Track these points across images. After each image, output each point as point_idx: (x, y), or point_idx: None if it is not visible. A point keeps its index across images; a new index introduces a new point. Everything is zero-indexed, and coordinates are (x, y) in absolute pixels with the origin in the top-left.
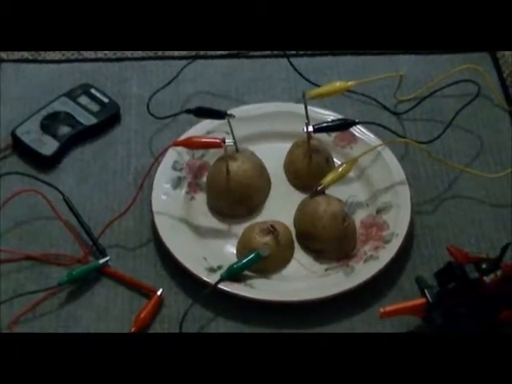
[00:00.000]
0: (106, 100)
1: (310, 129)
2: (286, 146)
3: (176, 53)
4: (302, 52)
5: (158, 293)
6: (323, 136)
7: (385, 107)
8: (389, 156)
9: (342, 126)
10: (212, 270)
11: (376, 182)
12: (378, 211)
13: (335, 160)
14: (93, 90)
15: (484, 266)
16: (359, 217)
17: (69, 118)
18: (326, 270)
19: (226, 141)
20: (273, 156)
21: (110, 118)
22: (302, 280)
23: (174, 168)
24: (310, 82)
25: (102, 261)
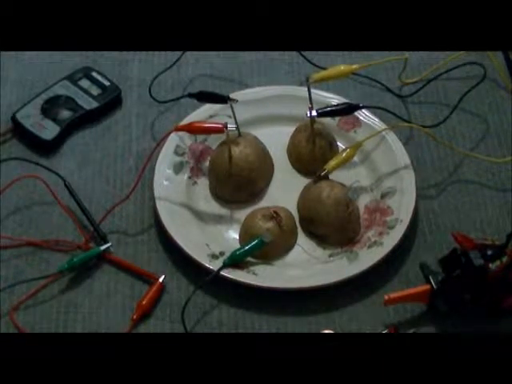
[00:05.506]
0: (107, 83)
1: (314, 113)
2: (289, 129)
3: None
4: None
5: (160, 279)
6: (327, 120)
7: (389, 90)
8: (393, 140)
9: (346, 110)
10: (214, 257)
11: (380, 167)
12: (383, 196)
13: (339, 144)
14: (94, 73)
15: (489, 252)
16: (363, 202)
17: (70, 102)
18: (330, 255)
19: (229, 126)
20: (276, 140)
21: (111, 101)
22: (305, 266)
23: (176, 152)
24: (313, 64)
25: (103, 247)
